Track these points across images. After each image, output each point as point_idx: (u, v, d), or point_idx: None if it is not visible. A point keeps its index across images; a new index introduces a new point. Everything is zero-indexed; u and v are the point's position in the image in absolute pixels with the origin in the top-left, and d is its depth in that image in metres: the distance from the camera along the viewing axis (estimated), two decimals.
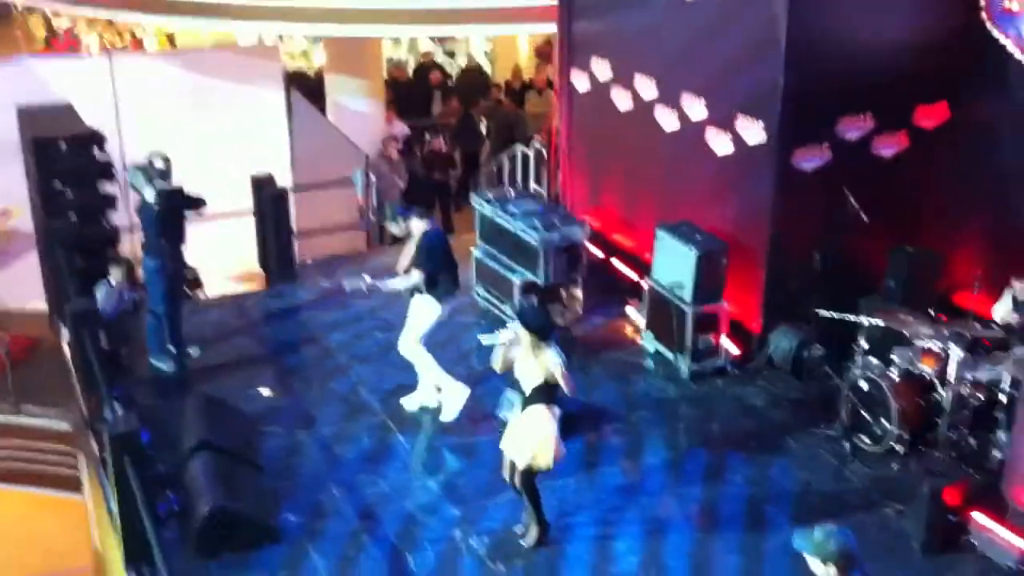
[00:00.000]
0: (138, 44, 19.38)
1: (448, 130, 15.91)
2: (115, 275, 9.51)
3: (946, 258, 9.34)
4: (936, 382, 8.09)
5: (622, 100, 10.96)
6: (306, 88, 15.36)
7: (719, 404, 9.17)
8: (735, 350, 9.59)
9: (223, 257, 12.12)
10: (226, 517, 7.16)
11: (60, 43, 19.96)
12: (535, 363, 6.87)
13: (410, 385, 8.92)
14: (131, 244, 10.64)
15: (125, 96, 12.53)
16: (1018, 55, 8.47)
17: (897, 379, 8.21)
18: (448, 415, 8.63)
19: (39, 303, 11.26)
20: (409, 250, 8.61)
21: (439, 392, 8.77)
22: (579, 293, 10.43)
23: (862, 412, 8.30)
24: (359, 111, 15.06)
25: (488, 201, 10.68)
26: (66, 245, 10.05)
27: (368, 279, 8.65)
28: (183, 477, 7.61)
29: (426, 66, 18.12)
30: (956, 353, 7.95)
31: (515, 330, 6.97)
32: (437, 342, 8.82)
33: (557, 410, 6.95)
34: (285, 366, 9.81)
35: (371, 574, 7.12)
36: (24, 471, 10.97)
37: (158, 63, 13.67)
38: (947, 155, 9.28)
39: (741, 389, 9.35)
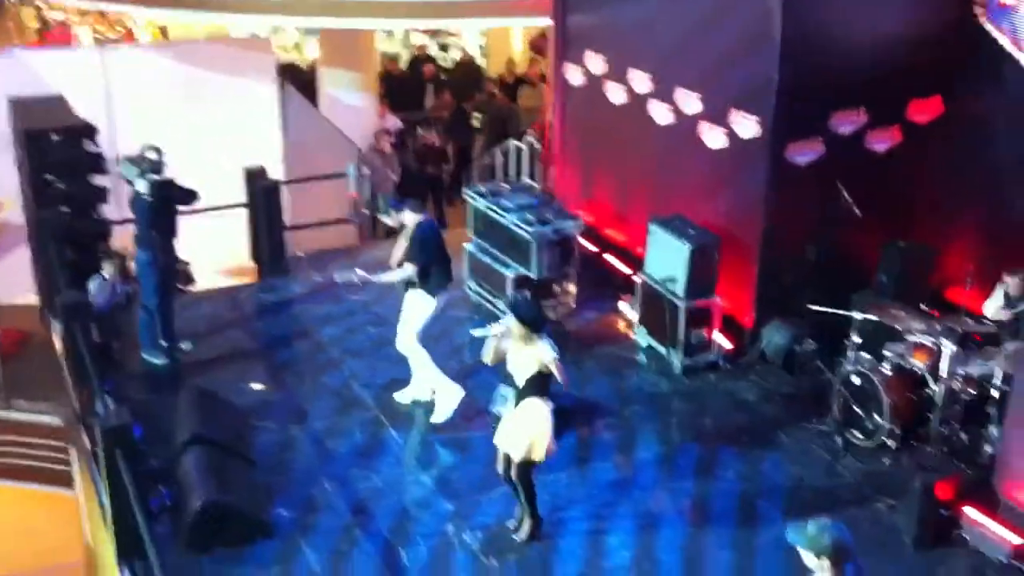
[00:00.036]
0: (130, 36, 19.30)
1: (441, 124, 15.88)
2: (108, 269, 9.48)
3: (939, 253, 9.36)
4: (928, 377, 8.10)
5: (616, 94, 10.95)
6: (299, 81, 15.33)
7: (711, 399, 9.18)
8: (728, 345, 9.60)
9: (215, 250, 12.08)
10: (218, 511, 7.14)
11: (53, 35, 19.87)
12: (528, 355, 6.86)
13: (403, 379, 8.91)
14: (122, 237, 10.60)
15: (117, 88, 12.50)
16: (1012, 50, 8.46)
17: (889, 374, 8.21)
18: (439, 416, 8.59)
19: (30, 296, 11.22)
20: (402, 243, 8.59)
21: (433, 393, 8.75)
22: (572, 287, 10.42)
23: (854, 407, 8.32)
24: (352, 104, 15.02)
25: (481, 195, 10.67)
26: (57, 237, 10.01)
27: (361, 273, 8.63)
28: (175, 471, 7.59)
29: (420, 59, 18.09)
30: (948, 348, 7.97)
31: (507, 323, 6.96)
32: (430, 336, 8.80)
33: (550, 403, 6.95)
34: (277, 360, 9.80)
35: (364, 569, 7.11)
36: (15, 466, 10.92)
37: (150, 55, 13.61)
38: (940, 150, 9.29)
39: (733, 384, 9.36)
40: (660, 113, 10.31)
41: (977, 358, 8.03)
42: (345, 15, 13.73)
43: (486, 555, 7.22)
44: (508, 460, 7.12)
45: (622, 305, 10.45)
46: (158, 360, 9.49)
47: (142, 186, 9.09)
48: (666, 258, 9.47)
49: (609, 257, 11.14)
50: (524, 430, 6.92)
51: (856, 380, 8.31)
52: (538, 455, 6.96)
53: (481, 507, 7.67)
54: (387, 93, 16.41)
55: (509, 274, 10.06)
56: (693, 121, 9.86)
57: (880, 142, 9.31)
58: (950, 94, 9.29)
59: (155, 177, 9.12)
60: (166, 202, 9.23)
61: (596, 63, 11.23)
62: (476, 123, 16.01)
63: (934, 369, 8.05)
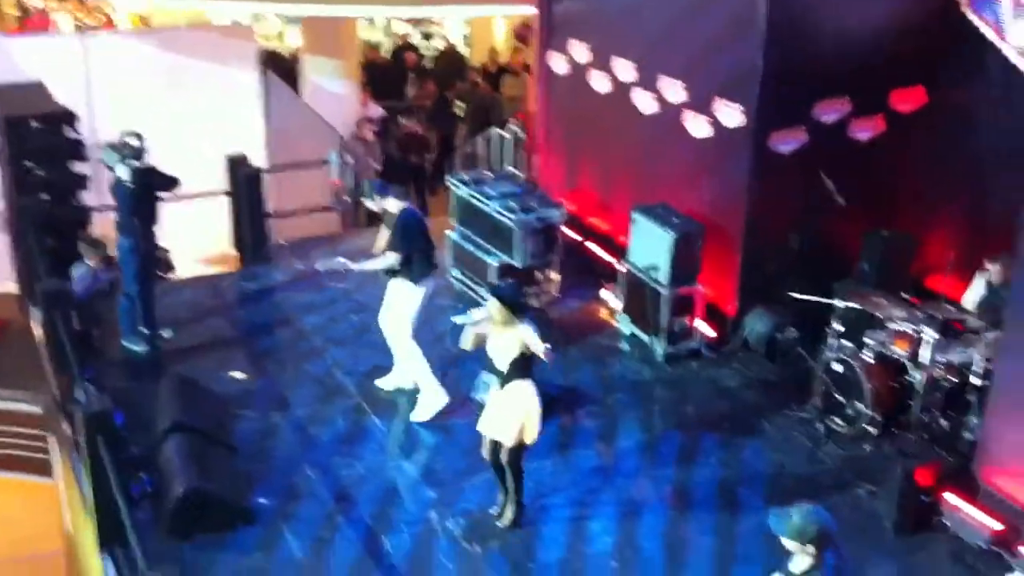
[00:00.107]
0: (110, 23, 19.15)
1: (424, 113, 15.84)
2: (91, 256, 9.41)
3: (921, 241, 9.40)
4: (909, 364, 8.14)
5: (600, 83, 10.94)
6: (281, 69, 15.24)
7: (694, 386, 9.20)
8: (710, 333, 9.62)
9: (196, 238, 12.02)
10: (200, 498, 7.11)
11: (32, 21, 19.70)
12: (509, 338, 6.85)
13: (385, 367, 8.89)
14: (102, 224, 10.53)
15: (97, 75, 12.39)
16: (995, 39, 8.49)
17: (870, 361, 8.26)
18: (419, 416, 8.54)
19: (9, 284, 11.13)
20: (386, 231, 8.56)
21: (415, 383, 8.72)
22: (555, 276, 10.42)
23: (836, 394, 8.35)
24: (334, 92, 14.96)
25: (465, 183, 10.65)
26: (37, 225, 9.94)
27: (343, 261, 8.60)
28: (157, 459, 7.55)
29: (402, 48, 18.03)
30: (929, 336, 8.00)
31: (489, 307, 6.94)
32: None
33: (535, 384, 6.95)
34: (259, 348, 9.76)
35: (346, 556, 7.09)
36: None
37: (131, 42, 13.48)
38: (923, 139, 9.32)
39: (716, 371, 9.39)
40: (644, 102, 10.30)
41: (958, 345, 8.06)
42: (327, 3, 13.66)
43: (469, 541, 7.22)
44: (494, 446, 7.12)
45: (605, 293, 10.45)
46: (139, 347, 9.44)
47: (123, 173, 9.02)
48: (649, 246, 9.48)
49: (592, 245, 11.14)
50: (513, 414, 6.91)
51: (838, 368, 8.35)
52: (530, 437, 6.96)
53: (464, 494, 7.67)
54: (369, 82, 16.35)
55: (492, 262, 10.05)
56: (677, 110, 9.86)
57: (863, 131, 9.33)
58: (933, 84, 9.32)
59: (136, 164, 9.05)
60: (147, 189, 9.17)
61: (580, 52, 11.21)
62: (459, 112, 15.98)
63: (915, 357, 8.09)
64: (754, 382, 9.22)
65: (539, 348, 6.78)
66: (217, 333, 9.95)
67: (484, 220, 10.24)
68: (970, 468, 7.48)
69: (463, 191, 10.55)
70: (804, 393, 8.74)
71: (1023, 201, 7.09)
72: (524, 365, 6.88)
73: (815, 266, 9.09)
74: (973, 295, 8.54)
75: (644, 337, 9.66)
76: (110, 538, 6.98)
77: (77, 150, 10.45)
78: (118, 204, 9.21)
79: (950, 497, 7.34)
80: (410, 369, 8.64)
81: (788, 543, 5.10)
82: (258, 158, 12.20)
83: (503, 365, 6.91)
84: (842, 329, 8.56)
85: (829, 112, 9.15)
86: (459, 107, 16.03)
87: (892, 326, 8.25)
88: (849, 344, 8.47)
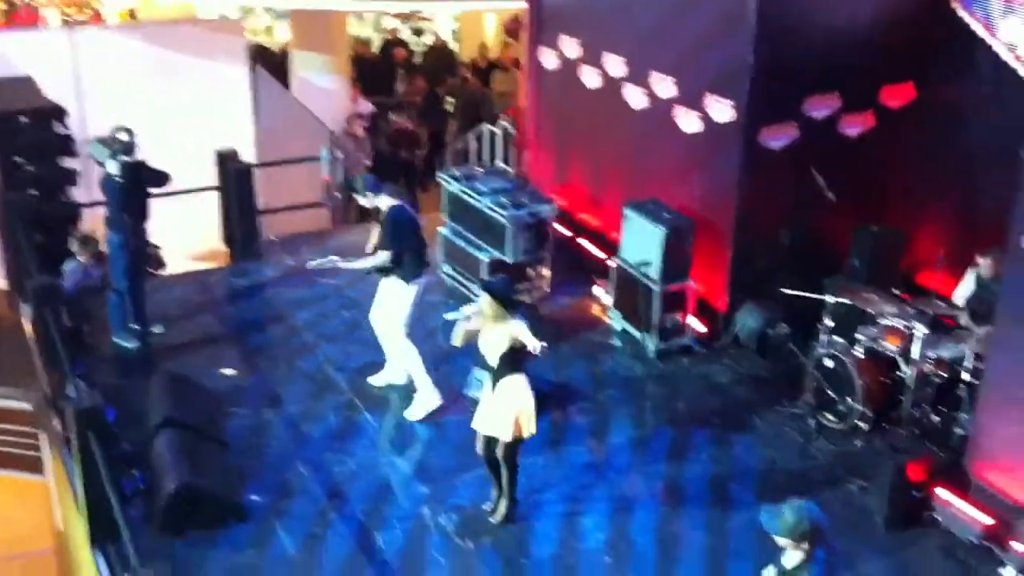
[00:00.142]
0: (98, 17, 19.06)
1: (414, 108, 15.81)
2: (82, 252, 9.38)
3: (911, 237, 9.43)
4: (900, 360, 8.18)
5: (591, 78, 10.94)
6: (270, 64, 15.20)
7: (685, 382, 9.22)
8: (701, 328, 9.63)
9: (186, 234, 11.97)
10: (192, 494, 7.10)
11: (20, 16, 19.59)
12: (500, 333, 6.84)
13: (377, 363, 8.88)
14: (92, 220, 10.49)
15: (86, 70, 12.32)
16: (984, 35, 8.52)
17: (862, 357, 8.29)
18: (413, 414, 8.53)
19: None
20: (377, 229, 8.52)
21: (407, 379, 8.71)
22: (546, 272, 10.42)
23: (827, 390, 8.38)
24: (324, 87, 14.91)
25: (456, 178, 10.63)
26: (26, 221, 9.89)
27: (335, 259, 8.57)
28: (148, 455, 7.53)
29: (391, 43, 17.98)
30: (919, 331, 8.03)
31: (480, 303, 6.94)
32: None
33: (527, 378, 6.95)
34: (250, 344, 9.73)
35: (339, 552, 7.09)
36: None
37: (119, 36, 13.41)
38: (913, 135, 9.36)
39: (707, 367, 9.40)
40: (635, 97, 10.31)
41: (948, 341, 8.11)
42: None
43: (461, 537, 7.23)
44: (488, 442, 7.12)
45: (596, 289, 10.46)
46: (129, 344, 9.40)
47: (113, 168, 8.98)
48: (641, 242, 9.48)
49: (583, 241, 11.14)
50: (508, 409, 6.91)
51: (829, 363, 8.37)
52: (527, 430, 6.96)
53: (456, 490, 7.67)
54: (359, 77, 16.30)
55: (484, 258, 10.04)
56: (668, 105, 9.87)
57: (853, 127, 9.36)
58: (923, 80, 9.35)
59: (126, 159, 9.01)
60: (137, 184, 9.13)
61: (571, 47, 11.21)
62: (449, 108, 15.96)
63: (906, 352, 8.12)
64: (745, 378, 9.24)
65: (532, 343, 6.77)
66: (208, 329, 9.93)
67: (475, 216, 10.23)
68: (961, 463, 7.52)
69: (454, 187, 10.54)
70: (795, 389, 8.77)
71: (1012, 197, 7.11)
72: (514, 359, 6.87)
73: (805, 261, 9.12)
74: (963, 290, 8.57)
75: (636, 333, 9.67)
76: (102, 535, 6.96)
77: (66, 146, 10.41)
78: (108, 200, 9.16)
79: (941, 492, 7.38)
80: (405, 368, 8.62)
81: (780, 541, 5.12)
82: (248, 154, 12.16)
83: (494, 360, 6.91)
84: (833, 325, 8.59)
85: (819, 108, 9.18)
86: (449, 103, 16.00)
87: (883, 322, 8.28)
88: (840, 340, 8.50)
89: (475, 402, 7.22)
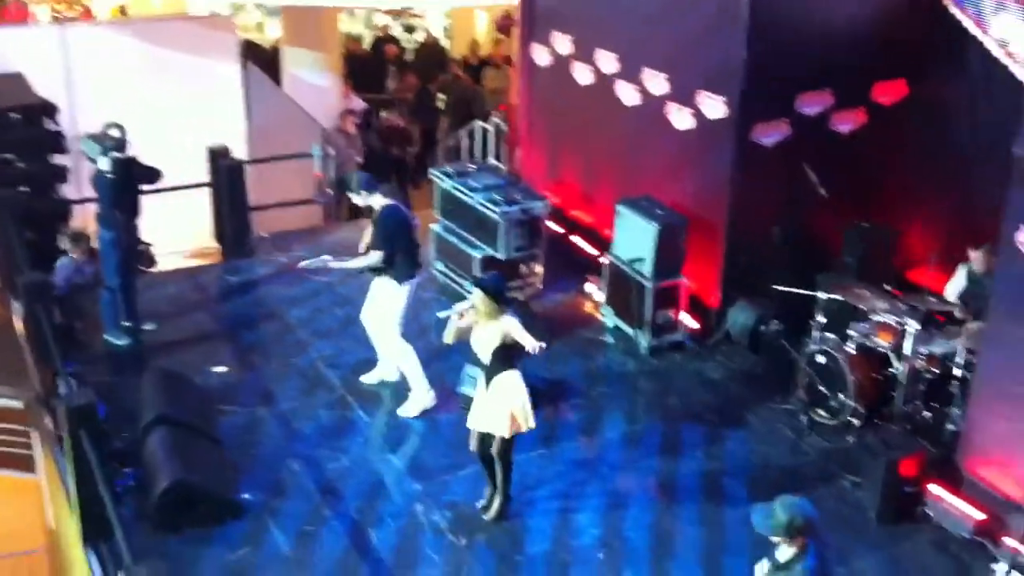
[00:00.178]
0: (88, 14, 18.99)
1: (405, 105, 15.78)
2: (74, 249, 9.35)
3: (903, 234, 9.46)
4: (892, 356, 8.20)
5: (583, 75, 10.93)
6: (261, 60, 15.17)
7: (678, 379, 9.23)
8: (694, 325, 9.64)
9: (177, 231, 11.94)
10: (185, 491, 7.09)
11: (9, 12, 19.52)
12: (492, 330, 6.84)
13: (370, 360, 8.88)
14: (83, 217, 10.46)
15: (77, 66, 12.29)
16: (976, 32, 8.53)
17: (854, 353, 8.30)
18: (407, 412, 8.51)
19: None
20: (370, 229, 8.50)
21: (400, 376, 8.70)
22: (539, 268, 10.41)
23: (819, 386, 8.39)
24: (315, 84, 14.88)
25: (448, 175, 10.62)
26: (16, 218, 9.86)
27: (327, 259, 8.56)
28: (141, 452, 7.51)
29: (383, 40, 17.96)
30: (911, 327, 8.05)
31: (473, 299, 6.94)
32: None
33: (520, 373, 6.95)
34: (243, 341, 9.72)
35: (333, 549, 7.08)
36: None
37: (110, 33, 13.36)
38: (905, 132, 9.37)
39: (700, 364, 9.42)
40: (627, 94, 10.31)
41: (940, 337, 8.13)
42: None
43: (455, 534, 7.23)
44: (482, 439, 7.12)
45: (589, 286, 10.46)
46: (121, 341, 9.38)
47: (104, 164, 8.95)
48: (633, 239, 9.49)
49: (576, 238, 11.14)
50: (503, 406, 6.90)
51: (821, 359, 8.39)
52: (526, 424, 6.97)
53: (450, 487, 7.67)
54: (350, 74, 16.28)
55: (476, 255, 10.04)
56: (660, 102, 9.87)
57: (845, 124, 9.37)
58: (915, 77, 9.37)
59: (117, 155, 8.98)
60: (129, 180, 9.10)
61: (563, 43, 11.20)
62: (441, 104, 15.94)
63: (898, 348, 8.14)
64: (738, 374, 9.26)
65: (526, 339, 6.77)
66: (200, 326, 9.91)
67: (468, 213, 10.22)
68: (953, 459, 7.55)
69: (446, 184, 10.53)
70: (788, 385, 8.78)
71: (1004, 194, 7.13)
72: (507, 356, 6.87)
73: (797, 258, 9.14)
74: (955, 286, 8.60)
75: (628, 330, 9.68)
76: (95, 533, 6.94)
77: (57, 142, 10.38)
78: (99, 196, 9.14)
79: (933, 488, 7.41)
80: (401, 367, 8.60)
81: (774, 537, 5.12)
82: (239, 150, 12.13)
83: (486, 357, 6.91)
84: (825, 321, 8.61)
85: (812, 104, 9.19)
86: (441, 100, 15.98)
87: (875, 318, 8.30)
88: (832, 336, 8.51)
89: (468, 399, 7.21)
